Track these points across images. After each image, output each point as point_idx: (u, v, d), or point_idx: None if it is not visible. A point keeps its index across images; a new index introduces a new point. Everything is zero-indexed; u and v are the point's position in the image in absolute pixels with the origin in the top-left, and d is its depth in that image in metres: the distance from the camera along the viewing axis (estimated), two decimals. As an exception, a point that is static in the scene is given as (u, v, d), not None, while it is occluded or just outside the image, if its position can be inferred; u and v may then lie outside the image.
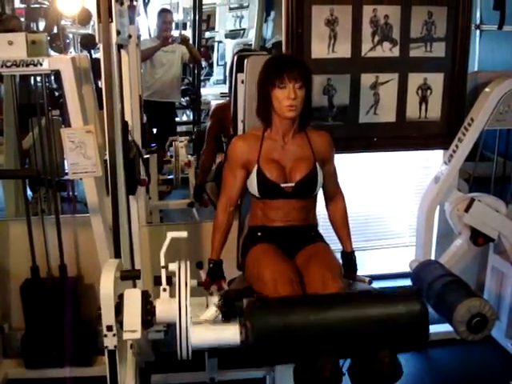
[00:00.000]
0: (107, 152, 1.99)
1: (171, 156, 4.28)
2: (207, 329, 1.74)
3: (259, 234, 2.29)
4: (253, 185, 2.24)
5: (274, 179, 2.20)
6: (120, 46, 2.06)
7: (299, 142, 2.27)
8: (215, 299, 1.84)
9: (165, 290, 1.77)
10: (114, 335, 1.65)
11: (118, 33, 1.95)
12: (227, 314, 1.79)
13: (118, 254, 2.06)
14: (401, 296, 1.83)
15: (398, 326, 1.73)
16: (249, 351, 1.67)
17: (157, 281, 1.81)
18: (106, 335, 1.65)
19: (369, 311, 1.74)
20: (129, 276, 1.78)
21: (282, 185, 2.21)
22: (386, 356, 1.75)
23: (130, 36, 2.33)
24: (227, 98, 3.85)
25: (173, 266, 1.77)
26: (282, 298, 1.92)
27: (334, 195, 2.43)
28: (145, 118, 2.95)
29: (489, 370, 2.92)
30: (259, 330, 1.67)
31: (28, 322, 2.79)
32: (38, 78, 2.82)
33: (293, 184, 2.22)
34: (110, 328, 1.64)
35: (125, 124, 2.13)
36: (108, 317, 1.63)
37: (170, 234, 1.80)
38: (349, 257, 2.40)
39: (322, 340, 1.69)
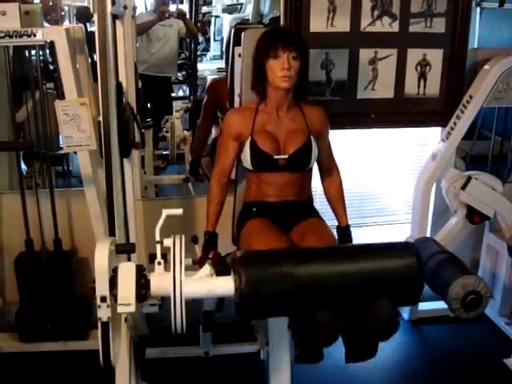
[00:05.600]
0: (101, 113, 1.96)
1: (167, 131, 4.26)
2: (201, 280, 1.71)
3: (254, 209, 2.29)
4: (246, 157, 2.23)
5: (267, 150, 2.20)
6: (115, 17, 2.03)
7: (293, 116, 2.27)
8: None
9: (159, 263, 1.76)
10: (108, 306, 1.64)
11: (113, 3, 1.93)
12: (221, 271, 1.77)
13: (112, 228, 2.04)
14: (396, 249, 1.78)
15: (393, 279, 1.67)
16: (243, 300, 1.63)
17: (151, 258, 1.79)
18: (99, 306, 1.64)
19: (364, 263, 1.66)
20: (124, 250, 1.77)
21: (276, 156, 2.20)
22: (383, 303, 1.67)
23: (125, 7, 2.29)
24: (224, 74, 3.81)
25: (168, 242, 1.76)
26: (277, 249, 1.91)
27: (330, 169, 2.42)
28: (140, 84, 2.89)
29: (482, 347, 2.94)
30: (253, 276, 1.61)
31: (22, 295, 2.78)
32: (33, 52, 2.78)
33: (286, 156, 2.21)
34: (103, 299, 1.63)
35: (119, 85, 2.09)
36: (102, 288, 1.62)
37: (165, 212, 1.77)
38: (344, 231, 2.40)
39: (316, 290, 1.63)
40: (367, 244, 1.83)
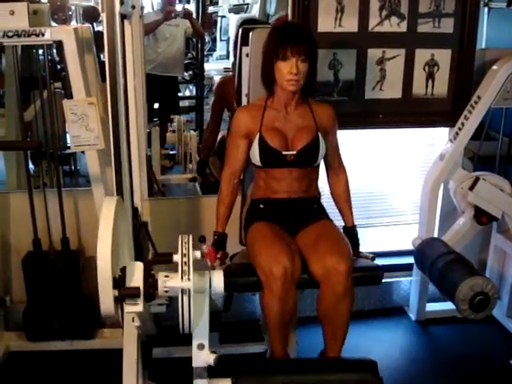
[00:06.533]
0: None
1: (173, 131, 4.25)
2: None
3: (261, 206, 2.29)
4: (255, 153, 2.24)
5: (275, 146, 2.21)
6: (123, 16, 2.03)
7: (301, 112, 2.28)
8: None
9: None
10: None
11: (122, 2, 1.92)
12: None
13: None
14: (356, 366, 1.97)
15: None
16: None
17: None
18: None
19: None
20: (129, 294, 1.74)
21: (284, 152, 2.22)
22: None
23: (133, 7, 2.29)
24: (230, 73, 3.81)
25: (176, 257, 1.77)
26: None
27: (336, 169, 2.43)
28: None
29: (489, 348, 2.93)
30: None
31: (30, 294, 2.79)
32: (40, 51, 2.78)
33: (294, 152, 2.22)
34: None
35: (135, 209, 2.14)
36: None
37: None
38: (351, 231, 2.40)
39: None
40: (330, 360, 2.12)
